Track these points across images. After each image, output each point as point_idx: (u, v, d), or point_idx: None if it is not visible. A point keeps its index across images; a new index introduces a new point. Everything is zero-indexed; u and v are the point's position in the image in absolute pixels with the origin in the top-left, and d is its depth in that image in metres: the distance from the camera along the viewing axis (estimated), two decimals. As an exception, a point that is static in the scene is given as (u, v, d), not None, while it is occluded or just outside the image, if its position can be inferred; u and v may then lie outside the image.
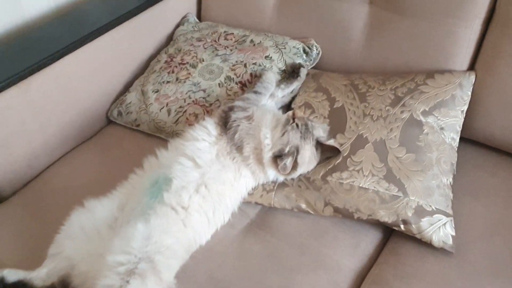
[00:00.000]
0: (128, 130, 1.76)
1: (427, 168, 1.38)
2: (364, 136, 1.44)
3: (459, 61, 1.56)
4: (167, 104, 1.69)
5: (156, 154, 1.46)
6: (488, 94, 1.52)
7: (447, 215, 1.33)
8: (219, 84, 1.69)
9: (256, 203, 1.47)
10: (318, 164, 1.45)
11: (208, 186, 1.36)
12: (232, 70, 1.71)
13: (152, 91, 1.73)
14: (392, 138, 1.42)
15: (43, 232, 1.37)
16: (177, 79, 1.73)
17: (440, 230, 1.30)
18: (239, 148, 1.44)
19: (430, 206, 1.33)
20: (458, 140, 1.48)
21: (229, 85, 1.68)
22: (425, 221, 1.31)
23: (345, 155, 1.42)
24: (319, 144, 1.43)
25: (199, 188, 1.34)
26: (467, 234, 1.34)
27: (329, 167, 1.42)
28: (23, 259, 1.34)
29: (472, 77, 1.53)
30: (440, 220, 1.31)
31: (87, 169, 1.62)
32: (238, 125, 1.46)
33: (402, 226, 1.33)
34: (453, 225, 1.33)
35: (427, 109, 1.46)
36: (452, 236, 1.31)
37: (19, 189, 1.59)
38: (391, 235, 1.42)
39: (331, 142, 1.43)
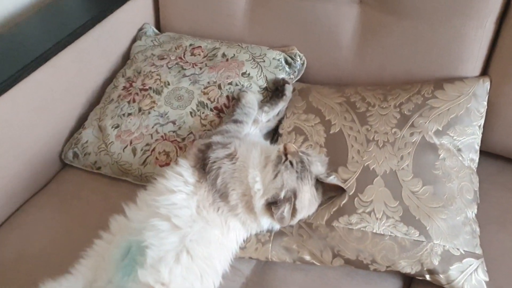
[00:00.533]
0: (88, 174, 1.49)
1: (449, 202, 1.16)
2: (371, 168, 1.21)
3: (470, 67, 1.34)
4: (131, 142, 1.42)
5: (124, 212, 1.21)
6: (506, 103, 1.31)
7: (477, 257, 1.13)
8: (190, 112, 1.42)
9: (251, 258, 1.24)
10: (319, 206, 1.21)
11: (191, 251, 1.12)
12: (205, 94, 1.45)
13: (112, 127, 1.45)
14: (404, 168, 1.20)
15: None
16: (140, 109, 1.46)
17: (472, 277, 1.10)
18: (224, 196, 1.20)
19: (457, 249, 1.12)
20: (477, 161, 1.28)
21: (202, 112, 1.42)
22: (454, 269, 1.10)
23: (351, 193, 1.19)
24: (319, 183, 1.20)
25: (180, 256, 1.10)
26: (500, 275, 1.14)
27: (334, 210, 1.19)
28: None
29: (486, 84, 1.31)
30: (470, 265, 1.11)
31: (41, 232, 1.34)
32: (220, 167, 1.21)
33: (428, 277, 1.12)
34: (485, 268, 1.13)
35: (440, 128, 1.25)
36: (486, 282, 1.11)
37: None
38: (412, 281, 1.21)
39: (332, 179, 1.20)
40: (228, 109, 1.43)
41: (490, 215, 1.25)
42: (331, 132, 1.30)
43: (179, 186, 1.20)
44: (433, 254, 1.11)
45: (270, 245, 1.22)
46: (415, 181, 1.18)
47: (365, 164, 1.22)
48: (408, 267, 1.12)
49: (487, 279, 1.11)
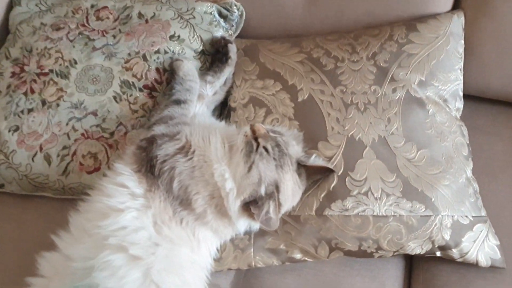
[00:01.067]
0: (-13, 196, 1.12)
1: (449, 164, 1.02)
2: (357, 138, 1.02)
3: (442, 0, 1.15)
4: (41, 148, 1.07)
5: (56, 246, 0.90)
6: (481, 39, 1.16)
7: (484, 220, 1.01)
8: (114, 97, 1.10)
9: (230, 269, 1.01)
10: (304, 194, 1.00)
11: (162, 285, 0.86)
12: (127, 69, 1.12)
13: (9, 130, 1.09)
14: (393, 132, 1.02)
15: None
16: (44, 102, 1.10)
17: (484, 244, 0.99)
18: (186, 203, 0.95)
19: (466, 217, 0.99)
20: (462, 108, 1.13)
21: (130, 95, 1.11)
22: (466, 240, 0.98)
23: (340, 173, 0.99)
24: (301, 167, 0.98)
25: None
26: (504, 232, 1.04)
27: (323, 195, 0.99)
28: None
29: (461, 19, 1.15)
30: (481, 231, 0.99)
31: None
32: (173, 167, 0.95)
33: (438, 253, 0.99)
34: (493, 230, 1.01)
35: (423, 78, 1.08)
36: (497, 246, 1.00)
37: None
38: (413, 257, 1.07)
39: (316, 160, 0.98)
40: (162, 85, 1.13)
41: (476, 165, 1.13)
42: (299, 100, 1.07)
43: (126, 201, 0.92)
44: (443, 228, 0.97)
45: (252, 250, 1.00)
46: (409, 146, 1.01)
47: (349, 135, 1.02)
48: (418, 248, 0.97)
49: (498, 242, 1.00)
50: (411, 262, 1.08)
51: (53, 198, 1.10)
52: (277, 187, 0.93)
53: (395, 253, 0.98)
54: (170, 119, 1.03)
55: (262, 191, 0.92)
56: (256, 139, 0.95)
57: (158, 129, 1.00)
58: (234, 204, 0.93)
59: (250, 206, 0.92)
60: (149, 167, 0.95)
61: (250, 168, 0.93)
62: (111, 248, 0.87)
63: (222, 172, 0.94)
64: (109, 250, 0.87)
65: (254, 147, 0.94)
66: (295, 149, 0.99)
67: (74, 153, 1.07)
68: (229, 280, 1.03)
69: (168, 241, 0.91)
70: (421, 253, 0.98)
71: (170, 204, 0.94)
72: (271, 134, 0.97)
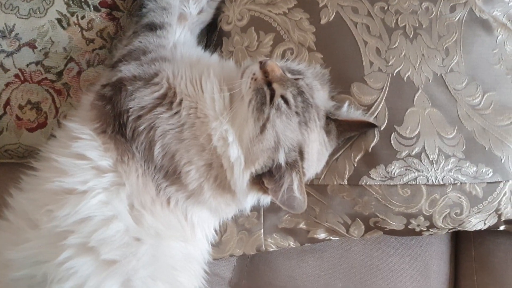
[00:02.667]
0: None
1: (522, 111, 0.77)
2: (405, 77, 0.74)
3: None
4: (-44, 97, 0.75)
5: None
6: None
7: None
8: (58, 20, 0.78)
9: (232, 256, 0.77)
10: (332, 156, 0.74)
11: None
12: (75, -22, 0.78)
13: None
14: (453, 68, 0.75)
15: None
16: (-48, 29, 0.76)
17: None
18: (174, 177, 0.68)
19: (540, 180, 0.76)
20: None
21: (81, 17, 0.78)
22: (538, 210, 0.76)
23: (382, 128, 0.72)
24: (331, 122, 0.70)
25: None
26: None
27: (358, 158, 0.73)
28: None
29: None
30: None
31: None
32: (152, 126, 0.67)
33: (503, 227, 0.77)
34: None
35: (488, -10, 0.78)
36: None
37: None
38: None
39: (351, 112, 0.71)
40: (126, 1, 0.79)
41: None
42: (322, 21, 0.77)
43: (88, 180, 0.66)
44: (513, 197, 0.74)
45: (262, 230, 0.76)
46: (473, 87, 0.75)
47: (394, 72, 0.75)
48: (480, 223, 0.76)
49: None
50: (458, 234, 0.86)
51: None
52: (301, 153, 0.67)
53: (450, 230, 0.75)
54: (143, 53, 0.73)
55: (281, 159, 0.65)
56: (269, 84, 0.66)
57: (127, 70, 0.71)
58: (241, 178, 0.68)
59: (264, 179, 0.67)
60: (118, 126, 0.68)
61: (263, 128, 0.66)
62: (72, 248, 0.61)
63: (223, 133, 0.67)
64: (70, 251, 0.61)
65: (268, 98, 0.66)
66: (321, 96, 0.71)
67: (7, 103, 0.76)
68: (231, 267, 0.83)
69: (153, 234, 0.68)
70: (483, 229, 0.76)
71: (151, 179, 0.69)
72: (289, 75, 0.68)
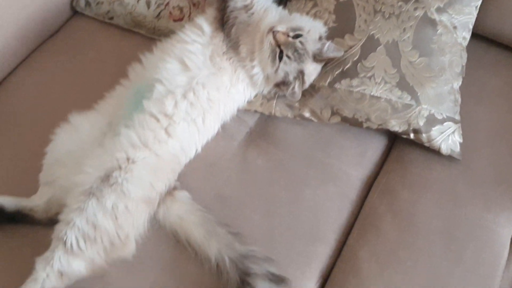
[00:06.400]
0: (99, 23, 1.53)
1: (440, 73, 1.30)
2: (376, 37, 1.31)
3: None
4: (143, -5, 1.45)
5: (140, 60, 1.28)
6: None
7: (456, 121, 1.30)
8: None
9: (256, 111, 1.37)
10: (322, 68, 1.33)
11: (197, 92, 1.21)
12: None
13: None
14: (405, 39, 1.31)
15: (16, 152, 1.24)
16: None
17: (449, 138, 1.28)
18: (235, 47, 1.26)
19: (441, 114, 1.28)
20: (468, 39, 1.39)
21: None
22: (435, 130, 1.27)
23: (355, 59, 1.30)
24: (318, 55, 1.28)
25: (186, 94, 1.19)
26: (472, 140, 1.33)
27: (337, 73, 1.31)
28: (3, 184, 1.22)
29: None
30: (449, 128, 1.28)
31: (57, 75, 1.42)
32: (236, 17, 1.26)
33: (412, 135, 1.29)
34: (461, 132, 1.30)
35: (441, 5, 1.33)
36: (460, 143, 1.29)
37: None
38: (395, 141, 1.39)
39: (330, 51, 1.27)
40: None
41: (470, 90, 1.40)
42: (341, 0, 1.38)
43: (196, 37, 1.25)
44: (420, 116, 1.27)
45: (275, 101, 1.35)
46: (413, 52, 1.30)
47: (371, 33, 1.31)
48: (397, 126, 1.28)
49: (461, 140, 1.29)
50: (393, 143, 1.40)
51: (144, 36, 1.48)
52: (301, 73, 1.26)
53: (379, 126, 1.29)
54: None
55: (291, 78, 1.25)
56: (279, 46, 1.22)
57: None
58: (261, 85, 1.29)
59: (280, 85, 1.27)
60: (220, 16, 1.27)
61: (276, 70, 1.24)
62: (173, 56, 1.21)
63: (256, 63, 1.26)
64: (172, 58, 1.20)
65: (277, 53, 1.22)
66: (313, 43, 1.25)
67: (167, 4, 1.43)
68: (255, 120, 1.39)
69: (216, 68, 1.23)
70: (398, 131, 1.28)
71: (226, 43, 1.25)
72: (291, 33, 1.22)
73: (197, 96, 1.21)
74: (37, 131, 1.23)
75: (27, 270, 1.06)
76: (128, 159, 1.11)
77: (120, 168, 1.09)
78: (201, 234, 1.15)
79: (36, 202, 1.16)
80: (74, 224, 1.04)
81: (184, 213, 1.18)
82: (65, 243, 1.04)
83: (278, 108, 1.34)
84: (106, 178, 1.08)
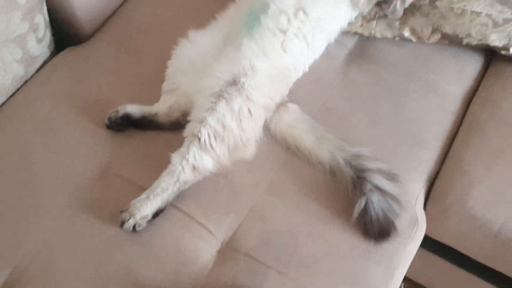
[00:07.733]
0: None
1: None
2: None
3: None
4: None
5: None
6: None
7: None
8: None
9: (355, 33, 1.44)
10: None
11: (306, 10, 1.24)
12: None
13: None
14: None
15: (140, 67, 1.35)
16: None
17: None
18: None
19: (543, 30, 1.32)
20: None
21: None
22: (537, 45, 1.31)
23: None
24: None
25: (297, 12, 1.24)
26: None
27: (437, -7, 1.36)
28: (128, 96, 1.32)
29: None
30: (550, 40, 1.32)
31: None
32: None
33: (511, 50, 1.33)
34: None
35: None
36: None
37: (99, 27, 1.50)
38: (492, 59, 1.43)
39: None
40: None
41: None
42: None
43: None
44: (521, 30, 1.31)
45: (375, 22, 1.41)
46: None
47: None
48: (497, 40, 1.33)
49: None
50: (489, 62, 1.44)
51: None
52: None
53: (479, 42, 1.34)
54: None
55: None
56: None
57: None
58: (363, 4, 1.32)
59: (381, 3, 1.32)
60: None
61: None
62: None
63: None
64: None
65: None
66: None
67: None
68: (354, 42, 1.45)
69: None
70: (498, 46, 1.33)
71: None
72: None
73: (307, 14, 1.28)
74: (158, 47, 1.33)
75: (157, 168, 1.16)
76: (252, 67, 1.19)
77: (246, 74, 1.18)
78: (311, 140, 1.23)
79: (159, 107, 1.26)
80: (207, 122, 1.14)
81: (294, 122, 1.26)
82: (199, 139, 1.14)
83: (378, 29, 1.40)
84: (233, 83, 1.17)
